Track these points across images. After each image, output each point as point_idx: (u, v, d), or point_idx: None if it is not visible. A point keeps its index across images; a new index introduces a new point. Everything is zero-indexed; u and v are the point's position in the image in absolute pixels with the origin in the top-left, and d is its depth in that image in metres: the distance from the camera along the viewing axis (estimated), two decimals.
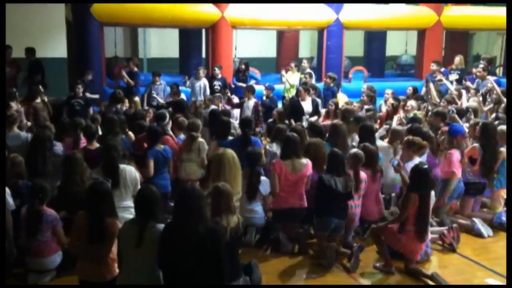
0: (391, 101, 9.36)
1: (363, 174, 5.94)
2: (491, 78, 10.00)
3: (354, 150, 6.11)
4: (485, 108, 9.29)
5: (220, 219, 4.24)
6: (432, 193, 5.63)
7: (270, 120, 9.09)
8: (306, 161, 5.89)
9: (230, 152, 5.27)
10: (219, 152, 5.44)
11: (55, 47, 14.27)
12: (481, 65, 10.52)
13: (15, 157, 5.73)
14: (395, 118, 8.54)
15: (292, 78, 11.85)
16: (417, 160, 6.18)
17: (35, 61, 11.40)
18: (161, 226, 3.97)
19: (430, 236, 5.69)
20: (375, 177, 6.14)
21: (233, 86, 11.99)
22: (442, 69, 11.51)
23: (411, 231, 5.17)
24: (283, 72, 12.12)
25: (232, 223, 4.34)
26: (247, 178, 5.81)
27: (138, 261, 3.97)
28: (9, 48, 10.87)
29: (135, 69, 11.49)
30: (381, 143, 7.34)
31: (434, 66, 11.31)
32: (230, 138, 7.18)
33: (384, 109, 9.89)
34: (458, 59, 12.06)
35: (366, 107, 9.39)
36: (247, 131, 7.09)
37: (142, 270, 3.98)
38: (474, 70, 11.06)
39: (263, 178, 5.96)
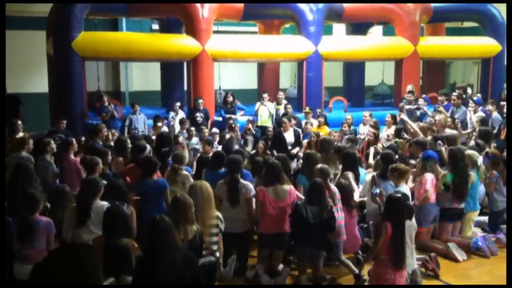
0: (372, 130, 9.49)
1: (334, 188, 6.03)
2: (469, 109, 10.43)
3: (319, 166, 6.19)
4: (464, 132, 9.61)
5: (177, 229, 4.26)
6: (413, 220, 5.70)
7: (253, 152, 9.17)
8: (289, 187, 5.93)
9: (201, 182, 5.29)
10: (192, 183, 5.47)
11: (37, 82, 14.30)
12: (455, 94, 10.90)
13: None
14: (371, 149, 8.63)
15: (271, 108, 12.13)
16: (404, 186, 6.26)
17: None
18: (129, 278, 3.92)
19: (415, 265, 5.72)
20: (351, 213, 6.18)
21: (220, 118, 12.10)
22: (423, 96, 11.84)
23: (385, 260, 5.07)
24: (265, 102, 12.24)
25: (190, 233, 4.49)
26: (227, 185, 5.95)
27: None
28: None
29: (106, 103, 11.57)
30: (365, 171, 7.46)
31: (411, 97, 11.75)
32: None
33: (363, 130, 10.07)
34: (410, 87, 12.48)
35: (346, 136, 9.54)
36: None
37: None
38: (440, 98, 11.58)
39: (244, 182, 6.06)
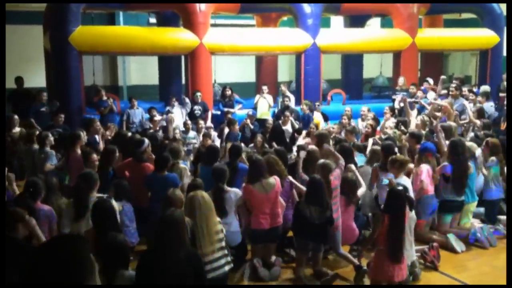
0: (370, 122, 9.48)
1: (334, 182, 5.88)
2: (465, 102, 10.48)
3: (322, 160, 6.06)
4: (461, 122, 9.70)
5: None
6: (413, 212, 5.70)
7: (251, 145, 9.16)
8: (273, 179, 5.84)
9: (200, 192, 5.02)
10: (190, 194, 5.09)
11: (34, 77, 14.24)
12: (454, 85, 10.92)
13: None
14: (370, 140, 8.59)
15: (271, 101, 12.13)
16: (404, 178, 6.24)
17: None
18: (131, 273, 3.85)
19: (414, 257, 5.72)
20: (348, 206, 6.12)
21: (219, 112, 12.07)
22: (422, 88, 11.86)
23: (383, 251, 5.06)
24: (264, 95, 12.22)
25: None
26: (213, 195, 5.72)
27: None
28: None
29: (104, 97, 11.54)
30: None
31: (414, 89, 11.68)
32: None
33: (361, 125, 10.07)
34: (402, 80, 12.55)
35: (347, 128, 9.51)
36: (234, 158, 6.90)
37: None
38: (441, 90, 11.62)
39: (232, 189, 5.92)
